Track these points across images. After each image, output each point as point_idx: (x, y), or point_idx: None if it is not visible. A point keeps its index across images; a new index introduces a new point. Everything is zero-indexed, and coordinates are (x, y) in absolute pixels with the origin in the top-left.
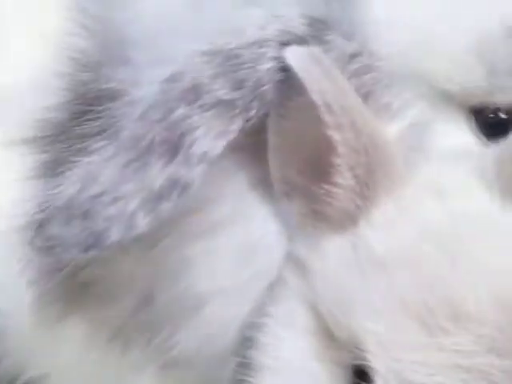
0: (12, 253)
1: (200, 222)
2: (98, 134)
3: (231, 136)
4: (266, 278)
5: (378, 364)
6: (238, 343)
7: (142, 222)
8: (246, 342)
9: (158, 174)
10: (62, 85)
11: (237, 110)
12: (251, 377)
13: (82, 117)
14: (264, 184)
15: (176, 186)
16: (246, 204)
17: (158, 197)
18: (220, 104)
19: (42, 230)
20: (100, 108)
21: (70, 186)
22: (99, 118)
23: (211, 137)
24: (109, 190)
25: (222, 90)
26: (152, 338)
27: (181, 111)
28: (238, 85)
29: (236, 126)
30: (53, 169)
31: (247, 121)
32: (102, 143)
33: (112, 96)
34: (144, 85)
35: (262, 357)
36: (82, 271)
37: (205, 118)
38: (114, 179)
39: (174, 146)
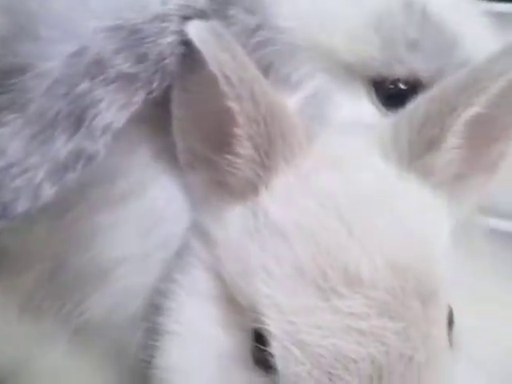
0: None
1: (106, 193)
2: (8, 107)
3: (134, 108)
4: (171, 246)
5: (273, 327)
6: (146, 310)
7: (49, 192)
8: (154, 308)
9: (62, 146)
10: None
11: (139, 83)
12: (158, 342)
13: None
14: (169, 155)
15: (80, 157)
16: (151, 175)
17: (64, 168)
18: (123, 77)
19: None
20: (9, 82)
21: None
22: (9, 91)
23: (114, 109)
24: (16, 162)
25: (124, 64)
26: (63, 305)
27: (85, 85)
28: (141, 58)
29: (139, 98)
30: None
31: (150, 93)
32: (11, 116)
33: (21, 70)
34: (51, 59)
35: (168, 322)
36: None
37: (108, 92)
38: (20, 152)
39: (78, 119)
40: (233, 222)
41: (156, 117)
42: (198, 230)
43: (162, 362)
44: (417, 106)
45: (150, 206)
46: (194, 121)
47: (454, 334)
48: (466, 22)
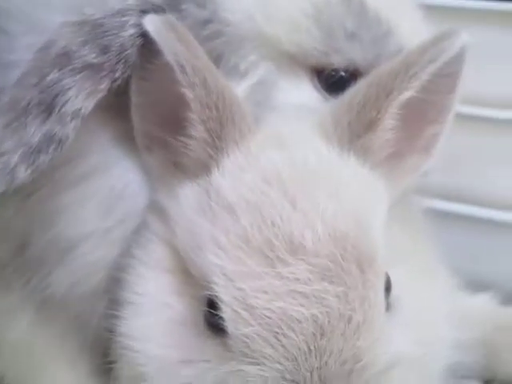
0: None
1: (69, 174)
2: None
3: (100, 95)
4: (130, 223)
5: (223, 293)
6: (107, 283)
7: (24, 174)
8: (114, 281)
9: (35, 132)
10: None
11: (104, 72)
12: (118, 312)
13: None
14: (127, 139)
15: (52, 141)
16: (111, 157)
17: (37, 151)
18: (89, 67)
19: None
20: None
21: None
22: None
23: (82, 96)
24: None
25: (90, 55)
26: (29, 279)
27: (54, 75)
28: (104, 50)
29: (104, 86)
30: None
31: (114, 82)
32: None
33: None
34: (17, 50)
35: (127, 293)
36: None
37: (76, 80)
38: None
39: (49, 106)
40: (187, 199)
41: (116, 104)
42: (155, 208)
43: (123, 330)
44: (355, 91)
45: (111, 185)
46: (151, 107)
47: (391, 299)
48: (400, 13)
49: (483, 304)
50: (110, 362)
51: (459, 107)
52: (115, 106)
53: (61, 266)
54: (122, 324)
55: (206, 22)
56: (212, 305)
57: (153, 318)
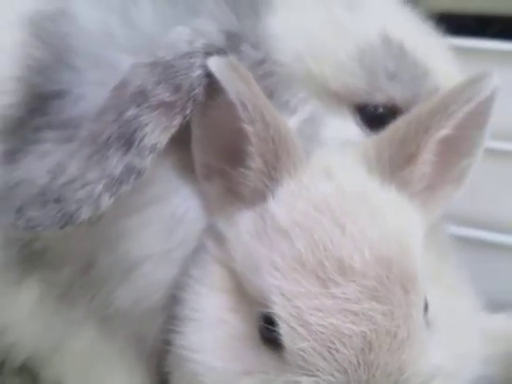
0: None
1: (134, 200)
2: (46, 126)
3: (173, 130)
4: (189, 245)
5: (280, 311)
6: (166, 301)
7: (107, 203)
8: (173, 299)
9: (117, 164)
10: (19, 87)
11: (177, 109)
12: (176, 327)
13: (34, 113)
14: (187, 169)
15: (132, 172)
16: (173, 185)
17: (119, 182)
18: (163, 105)
19: (21, 214)
20: (47, 105)
21: (41, 176)
22: (48, 113)
23: (158, 132)
24: (77, 178)
25: (164, 94)
26: (93, 297)
27: (132, 112)
28: (176, 89)
29: (177, 122)
30: (12, 156)
31: (185, 118)
32: (50, 134)
33: (58, 95)
34: (84, 85)
35: (186, 310)
36: (37, 241)
37: (152, 117)
38: (80, 169)
39: (129, 141)
40: (243, 225)
41: (178, 137)
42: (213, 232)
43: (182, 343)
44: (396, 127)
45: (172, 211)
46: (211, 140)
47: (429, 317)
48: (435, 55)
49: (504, 322)
50: (165, 375)
51: None
52: (177, 139)
53: (124, 285)
54: (181, 338)
55: (261, 62)
56: (267, 321)
57: (211, 332)
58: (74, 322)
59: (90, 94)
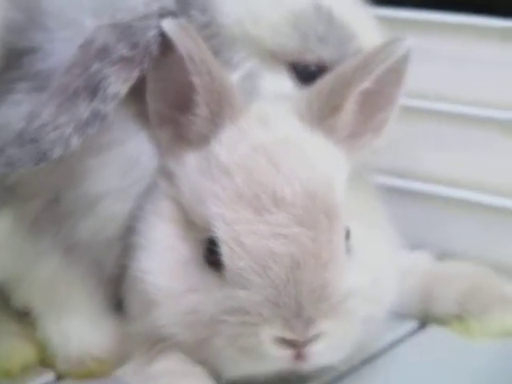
0: None
1: (96, 143)
2: (20, 79)
3: (132, 81)
4: (143, 183)
5: (222, 234)
6: (123, 231)
7: (76, 143)
8: (128, 231)
9: (84, 110)
10: None
11: (135, 64)
12: (132, 254)
13: (8, 67)
14: (143, 117)
15: (98, 116)
16: (130, 130)
17: (86, 124)
18: (123, 60)
19: (2, 153)
20: (22, 60)
21: (17, 122)
22: (21, 67)
23: (119, 82)
24: (49, 122)
25: (123, 50)
26: (59, 228)
27: (96, 66)
28: (135, 46)
29: (135, 74)
30: None
31: (142, 71)
32: (24, 85)
33: (32, 51)
34: (54, 42)
35: (140, 239)
36: (9, 177)
37: (114, 70)
38: (52, 115)
39: (94, 90)
40: (190, 164)
41: (134, 89)
42: (164, 172)
43: (136, 267)
44: (324, 82)
45: (129, 153)
46: (163, 91)
47: (350, 244)
48: (360, 22)
49: (419, 259)
50: (120, 299)
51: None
52: (134, 92)
53: (86, 217)
54: (135, 263)
55: (207, 25)
56: (211, 245)
57: (161, 257)
58: (41, 251)
59: (59, 50)
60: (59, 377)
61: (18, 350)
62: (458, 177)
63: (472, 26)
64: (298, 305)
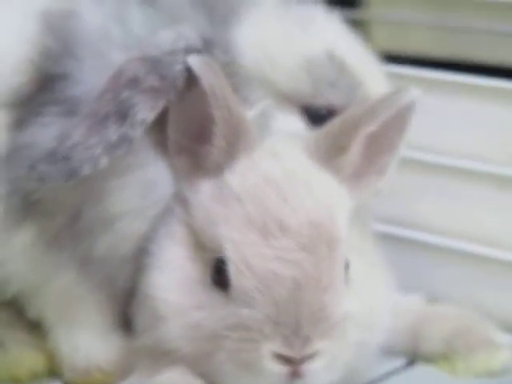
0: None
1: (119, 164)
2: (51, 103)
3: (159, 110)
4: (159, 206)
5: (231, 255)
6: (136, 252)
7: (105, 162)
8: (141, 251)
9: (113, 133)
10: (31, 68)
11: (162, 94)
12: (143, 273)
13: (41, 91)
14: (162, 145)
15: (126, 140)
16: (150, 156)
17: (114, 147)
18: (152, 90)
19: (34, 169)
20: (53, 85)
21: (47, 141)
22: (52, 92)
23: (147, 110)
24: (80, 142)
25: (152, 81)
26: (77, 243)
27: (126, 94)
28: (162, 78)
29: (161, 103)
30: (19, 125)
31: (168, 101)
32: (53, 109)
33: (63, 77)
34: (84, 71)
35: (151, 259)
36: (35, 193)
37: (142, 98)
38: (83, 136)
39: (124, 116)
40: (204, 191)
41: (157, 119)
42: (179, 198)
43: (146, 283)
44: (333, 124)
45: (149, 176)
46: (184, 123)
47: (348, 275)
48: (368, 72)
49: (413, 301)
50: (129, 318)
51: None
52: (156, 121)
53: (104, 235)
54: (146, 280)
55: (228, 64)
56: (218, 268)
57: (170, 275)
58: (58, 264)
59: (88, 79)
60: None
61: (27, 358)
62: (450, 227)
63: (475, 86)
64: (297, 324)
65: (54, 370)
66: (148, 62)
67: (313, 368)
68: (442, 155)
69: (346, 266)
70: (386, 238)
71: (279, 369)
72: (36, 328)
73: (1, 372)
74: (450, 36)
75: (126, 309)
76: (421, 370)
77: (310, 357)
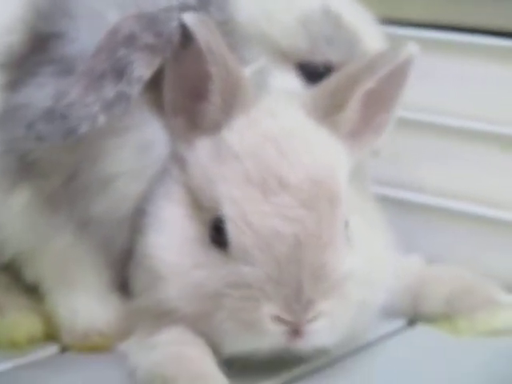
0: None
1: (115, 125)
2: (45, 62)
3: (155, 67)
4: (156, 167)
5: (229, 212)
6: (133, 213)
7: (102, 121)
8: (138, 212)
9: (110, 90)
10: (24, 28)
11: (158, 51)
12: (140, 234)
13: (35, 50)
14: (158, 104)
15: (123, 98)
16: (146, 116)
17: (112, 105)
18: (148, 47)
19: (32, 128)
20: (48, 44)
21: (43, 100)
22: (46, 51)
23: (144, 67)
24: (77, 101)
25: (148, 39)
26: (74, 205)
27: (122, 51)
28: (159, 35)
29: (158, 60)
30: (13, 86)
31: (163, 58)
32: (49, 68)
33: (57, 36)
34: (79, 29)
35: (149, 219)
36: (31, 153)
37: (139, 56)
38: (79, 95)
39: (120, 73)
40: (202, 150)
41: (152, 78)
42: (175, 158)
43: (144, 243)
44: (330, 81)
45: (145, 136)
46: (180, 80)
47: (348, 233)
48: (365, 28)
49: (413, 261)
50: (127, 277)
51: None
52: (151, 81)
53: (101, 196)
54: (144, 241)
55: (225, 22)
56: (216, 227)
57: (168, 235)
58: (55, 226)
59: (83, 37)
60: (63, 350)
61: (24, 322)
62: (451, 188)
63: (474, 45)
64: (298, 284)
65: (51, 335)
66: (143, 19)
67: (314, 328)
68: (442, 116)
69: (346, 225)
70: (386, 201)
71: (279, 329)
72: (33, 292)
73: None
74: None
75: (123, 270)
76: (422, 331)
77: (312, 319)
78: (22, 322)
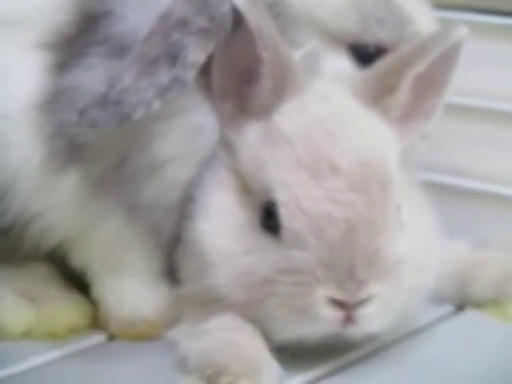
0: (30, 123)
1: (164, 110)
2: (94, 43)
3: (209, 51)
4: (205, 152)
5: (281, 196)
6: (182, 199)
7: (157, 106)
8: (187, 198)
9: (165, 76)
10: (73, 8)
11: (212, 35)
12: (189, 220)
13: (84, 31)
14: (207, 88)
15: (178, 82)
16: (196, 100)
17: (166, 90)
18: (201, 31)
19: (84, 114)
20: (96, 25)
21: (92, 84)
22: (95, 32)
23: (198, 51)
24: (131, 86)
25: (202, 22)
26: (123, 189)
27: (176, 36)
28: (212, 19)
29: (212, 44)
30: (62, 67)
31: (217, 42)
32: (98, 49)
33: (105, 15)
34: (126, 7)
35: (197, 205)
36: (80, 136)
37: (193, 40)
38: (133, 80)
39: (174, 58)
40: (252, 134)
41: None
42: (224, 143)
43: (194, 229)
44: (381, 64)
45: (195, 121)
46: (230, 64)
47: (400, 218)
48: (417, 9)
49: (459, 246)
50: (174, 263)
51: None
52: (201, 65)
53: (150, 181)
54: (193, 227)
55: (274, 4)
56: (268, 212)
57: (218, 221)
58: (103, 211)
59: (132, 15)
60: (110, 338)
61: (63, 313)
62: (492, 172)
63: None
64: (351, 267)
65: (95, 324)
66: (195, 2)
67: (367, 313)
68: (487, 100)
69: (398, 209)
70: (430, 186)
71: (332, 314)
72: (73, 283)
73: (38, 327)
74: None
75: (171, 257)
76: (470, 316)
77: (365, 301)
78: (62, 312)
